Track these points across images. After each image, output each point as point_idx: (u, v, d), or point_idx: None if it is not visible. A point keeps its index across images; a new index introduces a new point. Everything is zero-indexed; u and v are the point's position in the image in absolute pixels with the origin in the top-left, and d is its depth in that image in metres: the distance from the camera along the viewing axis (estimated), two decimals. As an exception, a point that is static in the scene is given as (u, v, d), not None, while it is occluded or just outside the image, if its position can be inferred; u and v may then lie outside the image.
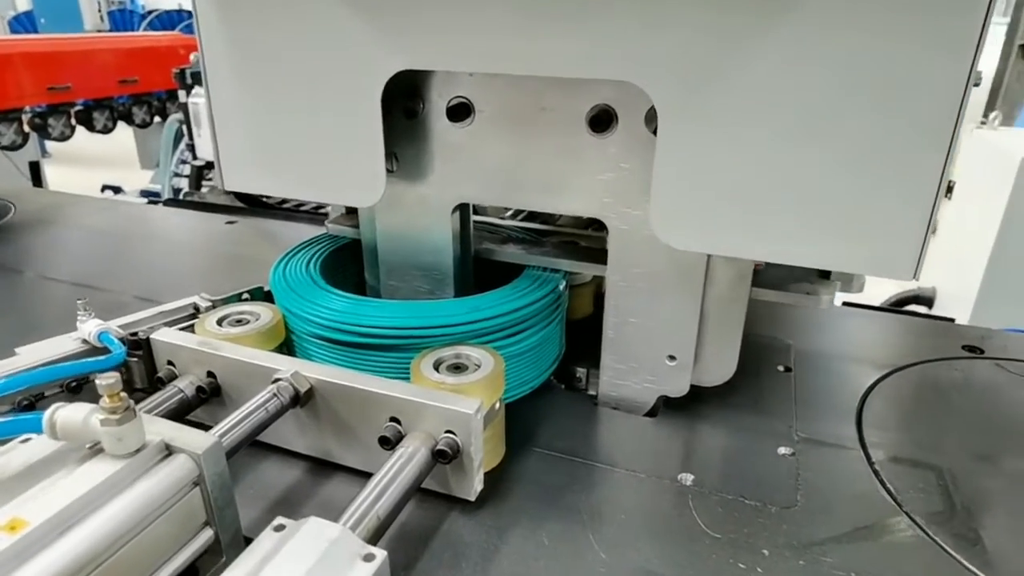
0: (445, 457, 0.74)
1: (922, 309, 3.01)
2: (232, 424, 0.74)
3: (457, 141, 0.96)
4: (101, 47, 5.27)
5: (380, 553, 0.58)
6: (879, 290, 3.11)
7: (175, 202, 2.59)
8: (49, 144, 7.03)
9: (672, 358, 0.96)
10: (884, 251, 0.73)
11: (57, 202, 2.14)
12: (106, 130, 5.35)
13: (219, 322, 0.95)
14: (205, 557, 0.65)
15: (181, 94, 4.11)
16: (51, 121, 4.95)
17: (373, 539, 0.64)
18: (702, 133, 0.74)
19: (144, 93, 5.48)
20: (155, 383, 0.90)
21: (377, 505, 0.67)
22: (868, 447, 0.92)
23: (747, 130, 0.72)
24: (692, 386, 0.98)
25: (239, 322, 0.95)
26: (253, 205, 2.35)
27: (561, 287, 1.02)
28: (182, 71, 4.03)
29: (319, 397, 0.82)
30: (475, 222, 1.15)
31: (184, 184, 4.66)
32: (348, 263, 1.21)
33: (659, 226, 0.81)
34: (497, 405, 0.83)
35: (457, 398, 0.76)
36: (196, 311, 1.01)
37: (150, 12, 8.11)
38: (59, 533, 0.53)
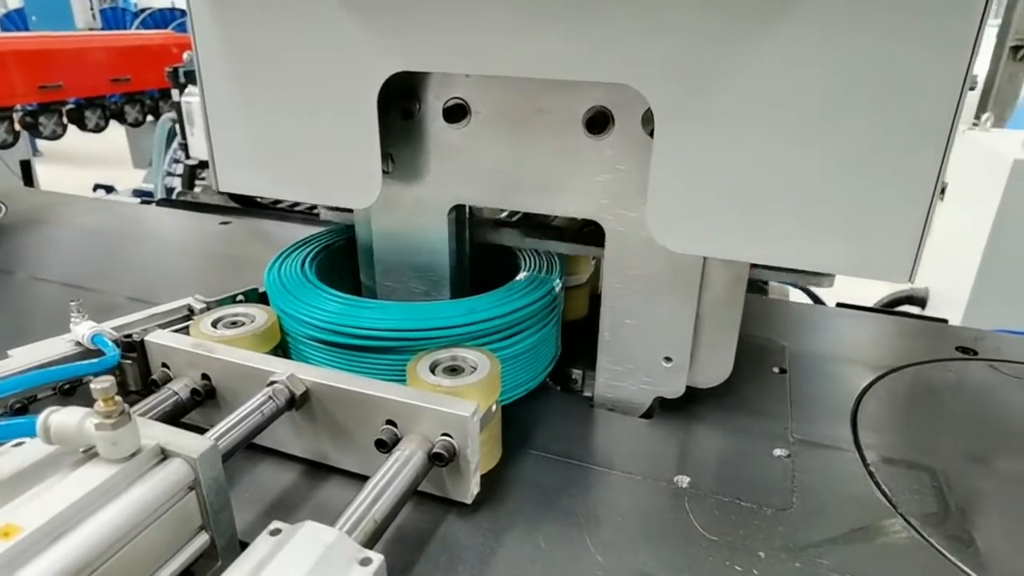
0: (442, 460, 0.74)
1: (915, 310, 3.03)
2: (228, 427, 0.74)
3: (453, 142, 0.96)
4: (93, 45, 5.25)
5: (377, 557, 0.58)
6: (872, 290, 3.13)
7: (168, 202, 2.58)
8: (40, 143, 6.98)
9: (668, 359, 0.97)
10: (880, 253, 0.73)
11: (49, 202, 2.13)
12: (98, 129, 5.33)
13: (214, 324, 0.95)
14: (200, 562, 0.65)
15: (174, 93, 4.08)
16: (42, 120, 4.93)
17: (370, 543, 0.64)
18: (699, 136, 0.75)
19: (136, 92, 5.46)
20: (149, 385, 0.89)
21: (374, 509, 0.66)
22: (863, 449, 0.93)
23: (744, 133, 0.73)
24: (688, 388, 0.98)
25: (234, 324, 0.95)
26: (247, 205, 2.34)
27: (557, 289, 1.02)
28: (175, 70, 4.00)
29: (315, 400, 0.81)
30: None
31: (177, 183, 4.63)
32: (344, 263, 1.20)
33: (655, 228, 0.81)
34: (493, 407, 0.83)
35: (453, 401, 0.76)
36: (191, 313, 1.01)
37: (142, 10, 8.08)
38: (53, 539, 0.53)
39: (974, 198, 2.75)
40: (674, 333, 0.95)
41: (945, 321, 1.43)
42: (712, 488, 0.84)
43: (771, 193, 0.74)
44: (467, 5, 0.78)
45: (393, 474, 0.71)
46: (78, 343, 0.89)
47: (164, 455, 0.62)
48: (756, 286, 1.75)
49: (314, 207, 2.18)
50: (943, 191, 2.83)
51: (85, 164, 7.80)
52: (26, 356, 0.86)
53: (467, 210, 1.08)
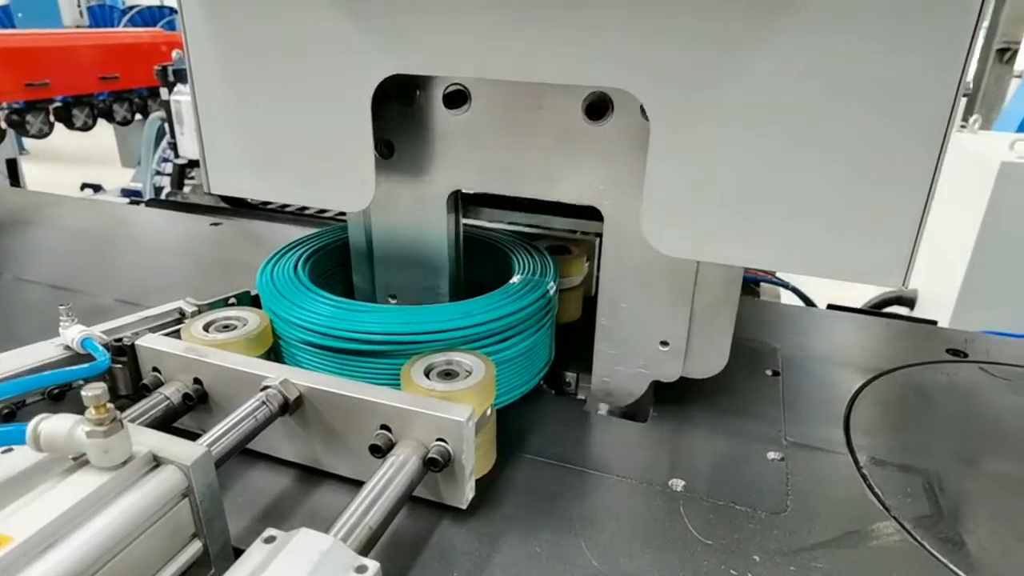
0: (436, 465, 0.73)
1: (904, 310, 3.05)
2: (220, 433, 0.73)
3: (453, 128, 0.95)
4: (81, 43, 5.21)
5: (373, 564, 0.58)
6: (862, 290, 3.15)
7: (158, 202, 2.56)
8: (27, 141, 6.91)
9: (665, 344, 0.96)
10: (875, 258, 0.74)
11: (36, 202, 2.10)
12: (86, 127, 5.28)
13: (205, 328, 0.94)
14: (193, 569, 0.64)
15: (163, 91, 4.05)
16: (29, 118, 4.88)
17: (365, 550, 0.63)
18: (694, 140, 0.75)
19: (125, 90, 5.41)
20: (140, 390, 0.88)
21: (368, 515, 0.66)
22: (856, 451, 0.93)
23: (739, 138, 0.73)
24: (681, 391, 0.98)
25: (226, 328, 0.94)
26: (237, 205, 2.33)
27: (551, 291, 1.02)
28: (164, 68, 3.96)
29: (308, 405, 0.81)
30: (465, 224, 1.15)
31: (166, 183, 4.60)
32: (338, 265, 1.20)
33: (650, 233, 0.81)
34: (488, 412, 0.82)
35: (448, 405, 0.76)
36: (182, 316, 1.00)
37: (131, 7, 8.01)
38: (43, 549, 0.52)
39: (962, 200, 2.77)
40: (671, 317, 0.95)
41: (935, 323, 1.43)
42: (707, 492, 0.84)
43: (766, 198, 0.74)
44: (463, 9, 0.78)
45: (388, 480, 0.70)
46: (67, 347, 0.88)
47: (156, 462, 0.62)
48: (748, 288, 1.76)
49: (305, 207, 2.18)
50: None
51: (72, 163, 7.73)
52: (14, 360, 0.85)
53: (460, 206, 1.08)
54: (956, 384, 1.13)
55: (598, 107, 0.87)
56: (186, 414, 0.87)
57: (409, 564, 0.72)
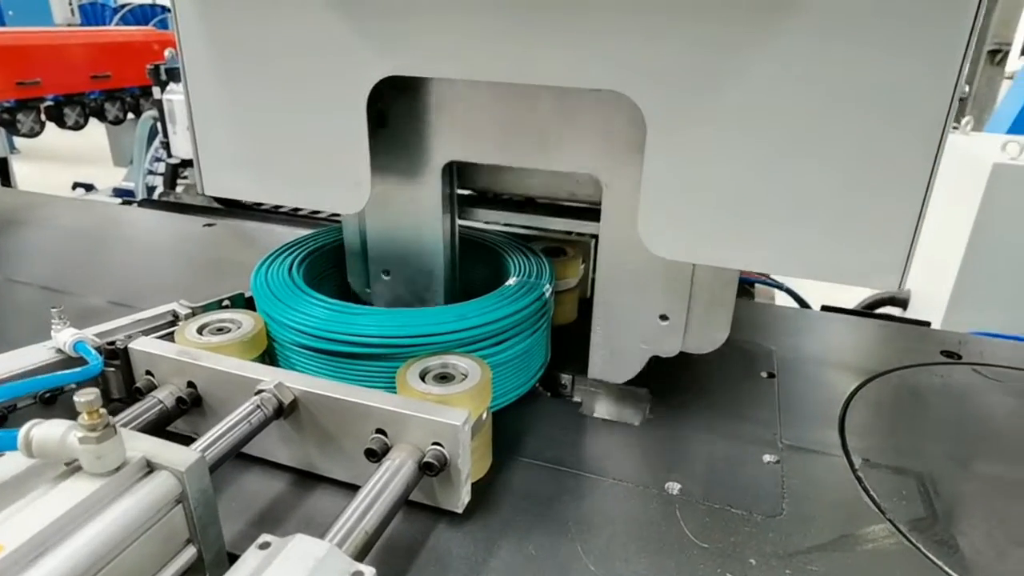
0: (432, 470, 0.73)
1: (897, 311, 3.06)
2: (214, 438, 0.72)
3: (448, 96, 0.94)
4: (72, 41, 5.18)
5: (369, 570, 0.57)
6: (856, 291, 3.16)
7: (150, 202, 2.54)
8: (18, 140, 6.86)
9: (664, 318, 0.96)
10: (871, 261, 0.74)
11: (27, 202, 2.09)
12: (77, 126, 5.25)
13: (199, 330, 0.93)
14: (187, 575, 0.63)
15: (156, 90, 4.03)
16: (20, 117, 4.85)
17: (360, 555, 0.63)
18: (691, 144, 0.75)
19: (117, 89, 5.39)
20: (133, 393, 0.87)
21: (364, 520, 0.66)
22: (851, 453, 0.93)
23: (736, 142, 0.73)
24: (676, 393, 0.98)
25: (220, 330, 0.94)
26: (230, 206, 2.31)
27: (547, 293, 1.02)
28: (156, 67, 3.94)
29: (303, 408, 0.80)
30: (461, 225, 1.15)
31: (158, 182, 4.58)
32: (333, 268, 1.19)
33: (646, 235, 0.81)
34: (484, 415, 0.82)
35: (444, 409, 0.75)
36: (175, 319, 0.99)
37: (123, 6, 7.96)
38: (36, 556, 0.51)
39: (955, 201, 2.78)
40: (671, 290, 0.94)
41: (928, 324, 1.44)
42: (703, 495, 0.84)
43: (763, 201, 0.74)
44: (459, 11, 0.77)
45: (383, 484, 0.70)
46: (59, 350, 0.87)
47: (150, 468, 0.61)
48: (743, 289, 1.76)
49: (299, 208, 2.17)
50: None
51: (64, 162, 7.68)
52: (6, 364, 0.84)
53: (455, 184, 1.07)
54: (950, 386, 1.13)
55: None
56: (180, 418, 0.86)
57: (405, 569, 0.72)
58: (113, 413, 0.76)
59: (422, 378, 0.83)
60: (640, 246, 0.90)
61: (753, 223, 0.76)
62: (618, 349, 1.00)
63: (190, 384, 0.86)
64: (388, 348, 0.88)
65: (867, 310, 2.49)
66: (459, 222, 1.14)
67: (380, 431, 0.76)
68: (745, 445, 0.94)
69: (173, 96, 3.88)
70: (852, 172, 0.70)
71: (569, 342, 1.11)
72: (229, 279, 1.20)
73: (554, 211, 1.16)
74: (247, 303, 1.07)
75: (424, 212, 1.03)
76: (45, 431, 0.58)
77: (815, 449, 0.94)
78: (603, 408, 1.03)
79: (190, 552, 0.63)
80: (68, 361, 0.87)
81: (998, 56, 5.63)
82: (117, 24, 7.64)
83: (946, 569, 0.74)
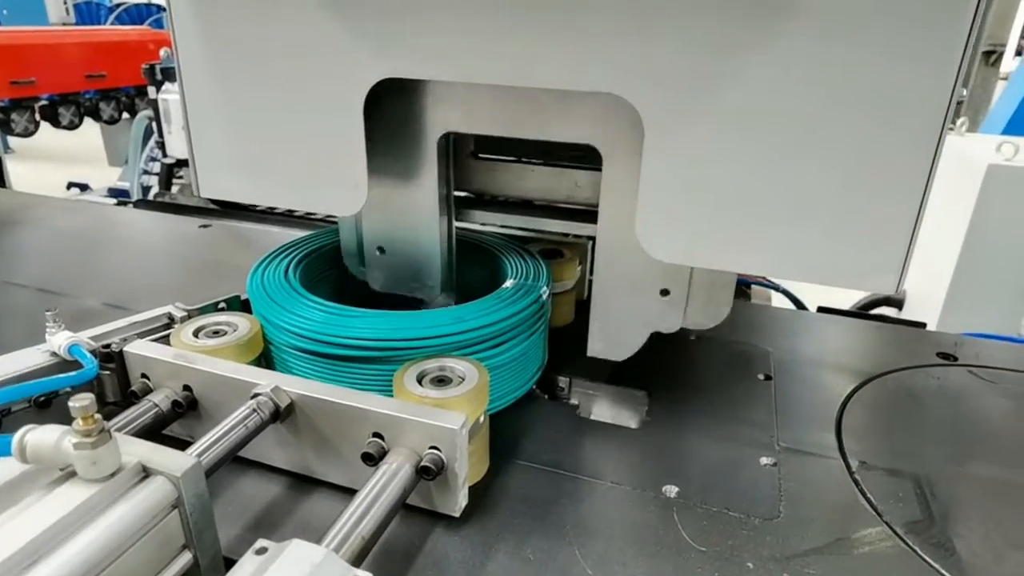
0: (430, 474, 0.73)
1: (892, 311, 3.07)
2: (211, 442, 0.72)
3: None
4: (67, 40, 5.16)
5: (366, 576, 0.57)
6: (852, 292, 3.17)
7: (146, 203, 2.53)
8: (12, 140, 6.83)
9: (665, 292, 0.95)
10: (868, 264, 0.74)
11: (22, 203, 2.08)
12: (72, 126, 5.23)
13: (195, 333, 0.93)
14: (183, 581, 0.63)
15: (151, 90, 4.01)
16: (14, 116, 4.83)
17: (357, 560, 0.63)
18: (689, 147, 0.74)
19: (112, 88, 5.36)
20: (128, 397, 0.87)
21: (361, 525, 0.65)
22: (848, 456, 0.93)
23: (734, 145, 0.73)
24: (674, 395, 0.98)
25: (216, 333, 0.93)
26: (226, 206, 2.30)
27: (544, 296, 1.01)
28: (152, 67, 3.93)
29: (300, 412, 0.80)
30: (457, 227, 1.14)
31: (154, 182, 4.56)
32: (329, 269, 1.19)
33: (644, 238, 0.81)
34: (481, 418, 0.82)
35: (441, 413, 0.75)
36: (171, 321, 0.98)
37: (118, 5, 7.93)
38: (30, 564, 0.51)
39: (950, 202, 2.79)
40: (672, 264, 0.91)
41: (924, 325, 1.44)
42: (700, 498, 0.84)
43: (761, 205, 0.74)
44: (455, 13, 0.77)
45: (380, 489, 0.70)
46: (54, 354, 0.87)
47: (145, 473, 0.61)
48: (739, 290, 1.76)
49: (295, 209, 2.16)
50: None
51: (59, 162, 7.64)
52: (0, 368, 0.84)
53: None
54: (946, 388, 1.13)
55: None
56: (175, 421, 0.86)
57: (402, 573, 0.71)
58: (108, 416, 0.76)
59: (419, 381, 0.83)
60: None
61: (751, 226, 0.76)
62: (618, 325, 0.98)
63: (186, 388, 0.85)
64: (385, 351, 0.87)
65: (863, 311, 2.50)
66: (456, 223, 1.14)
67: (377, 435, 0.76)
68: (742, 448, 0.94)
69: (168, 96, 3.87)
70: (850, 175, 0.70)
71: (566, 344, 1.11)
72: (225, 281, 1.19)
73: (551, 213, 1.17)
74: (243, 305, 1.06)
75: (420, 156, 1.00)
76: (39, 437, 0.57)
77: (812, 452, 0.94)
78: (600, 410, 1.03)
79: (186, 558, 0.63)
80: (63, 364, 0.86)
81: (992, 57, 5.65)
82: (112, 23, 7.62)
83: (943, 572, 0.74)
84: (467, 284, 1.16)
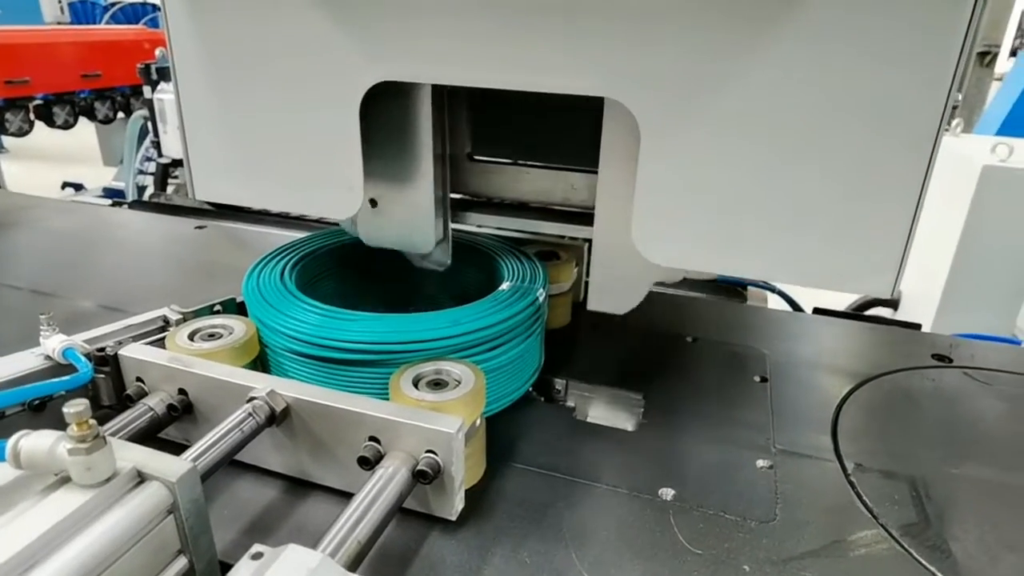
0: (426, 478, 0.73)
1: (888, 312, 3.08)
2: (206, 447, 0.72)
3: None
4: (62, 40, 5.14)
5: (362, 582, 0.57)
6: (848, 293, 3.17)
7: (141, 204, 2.52)
8: (6, 139, 6.80)
9: None
10: (864, 268, 0.74)
11: (16, 204, 2.07)
12: (67, 125, 5.22)
13: (191, 336, 0.93)
14: (178, 586, 0.63)
15: (146, 90, 4.00)
16: (8, 116, 4.81)
17: (353, 565, 0.63)
18: (685, 152, 0.75)
19: (107, 88, 5.35)
20: (123, 400, 0.87)
21: (357, 529, 0.65)
22: (844, 458, 0.93)
23: (730, 150, 0.73)
24: (670, 397, 0.98)
25: (211, 336, 0.93)
26: (222, 207, 2.30)
27: (541, 298, 1.01)
28: (147, 66, 3.92)
29: (295, 416, 0.80)
30: (454, 229, 1.14)
31: (149, 182, 4.55)
32: (325, 271, 1.19)
33: (640, 242, 0.81)
34: (478, 422, 0.82)
35: (438, 416, 0.75)
36: (166, 324, 0.98)
37: (113, 4, 7.90)
38: (24, 570, 0.51)
39: (945, 202, 2.80)
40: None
41: (919, 326, 1.45)
42: (697, 501, 0.84)
43: (757, 209, 0.74)
44: (452, 17, 0.77)
45: (376, 493, 0.70)
46: (48, 357, 0.86)
47: (141, 478, 0.60)
48: (735, 291, 1.77)
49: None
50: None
51: (53, 161, 7.62)
52: (-7, 370, 0.83)
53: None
54: (941, 389, 1.14)
55: None
56: (171, 425, 0.86)
57: (398, 577, 0.71)
58: (103, 420, 0.76)
59: (415, 385, 0.82)
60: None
61: (747, 230, 0.76)
62: (619, 277, 0.96)
63: (181, 391, 0.85)
64: (381, 354, 0.87)
65: (859, 311, 2.50)
66: (452, 225, 1.14)
67: (373, 439, 0.76)
68: (739, 450, 0.94)
69: (164, 95, 3.86)
70: (845, 180, 0.71)
71: (563, 346, 1.11)
72: (221, 283, 1.19)
73: (547, 215, 1.17)
74: (239, 308, 1.06)
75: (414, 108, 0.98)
76: (33, 442, 0.57)
77: (808, 454, 0.94)
78: (597, 413, 1.03)
79: (181, 563, 0.62)
80: (57, 368, 0.86)
81: (987, 58, 5.67)
82: (107, 23, 7.59)
83: (938, 575, 0.74)
84: (463, 286, 1.16)
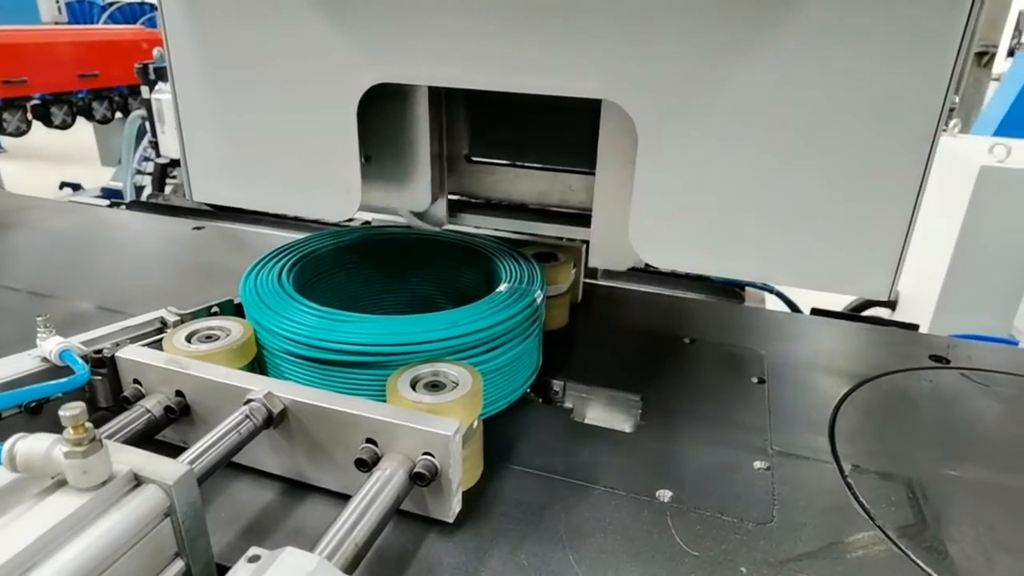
0: (423, 480, 0.73)
1: (885, 312, 3.08)
2: (203, 449, 0.72)
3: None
4: (59, 40, 5.14)
5: (359, 585, 0.57)
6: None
7: (139, 204, 2.52)
8: (4, 139, 6.79)
9: None
10: (860, 270, 0.74)
11: (13, 205, 2.06)
12: (65, 125, 5.22)
13: (188, 338, 0.92)
14: (175, 589, 0.63)
15: (144, 90, 4.00)
16: (6, 116, 4.81)
17: (351, 568, 0.63)
18: (682, 154, 0.75)
19: (105, 88, 5.35)
20: (121, 402, 0.87)
21: (354, 532, 0.65)
22: (841, 459, 0.94)
23: (728, 152, 0.73)
24: (668, 399, 0.98)
25: (209, 338, 0.93)
26: (220, 208, 2.30)
27: (539, 300, 1.01)
28: (145, 66, 3.92)
29: (293, 418, 0.80)
30: (451, 230, 1.14)
31: (147, 182, 4.54)
32: (323, 272, 1.19)
33: (637, 243, 0.81)
34: (475, 424, 0.82)
35: (435, 419, 0.75)
36: (163, 326, 0.98)
37: (110, 4, 7.89)
38: (20, 574, 0.51)
39: (943, 203, 2.81)
40: None
41: (917, 327, 1.45)
42: (694, 502, 0.84)
43: (754, 211, 0.74)
44: (450, 20, 0.77)
45: (374, 495, 0.70)
46: (45, 359, 0.86)
47: (137, 481, 0.60)
48: (733, 292, 1.77)
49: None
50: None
51: (51, 161, 7.60)
52: (-10, 373, 0.83)
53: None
54: (939, 390, 1.14)
55: None
56: (168, 427, 0.86)
57: (396, 580, 0.71)
58: (100, 422, 0.75)
59: (413, 387, 0.82)
60: None
61: (743, 232, 0.76)
62: (621, 234, 0.95)
63: (178, 393, 0.85)
64: (378, 356, 0.87)
65: (856, 311, 2.51)
66: (450, 226, 1.14)
67: (370, 441, 0.76)
68: (736, 452, 0.94)
69: (162, 95, 3.86)
70: (842, 182, 0.71)
71: (560, 347, 1.11)
72: (218, 284, 1.19)
73: (545, 216, 1.17)
74: (236, 309, 1.06)
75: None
76: (29, 445, 0.57)
77: (805, 455, 0.94)
78: (594, 414, 1.03)
79: (178, 566, 0.62)
80: (54, 370, 0.86)
81: (985, 58, 5.67)
82: (105, 22, 7.58)
83: (935, 576, 0.75)
84: (461, 288, 1.16)
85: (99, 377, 0.87)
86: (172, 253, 1.74)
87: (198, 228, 1.86)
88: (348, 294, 1.20)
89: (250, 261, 1.09)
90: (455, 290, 1.20)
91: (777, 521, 0.81)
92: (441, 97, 1.07)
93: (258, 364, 0.97)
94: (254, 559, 0.58)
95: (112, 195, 4.68)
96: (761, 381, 1.13)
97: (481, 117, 1.21)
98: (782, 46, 0.67)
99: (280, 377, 0.93)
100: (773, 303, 1.88)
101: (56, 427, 0.57)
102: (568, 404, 1.06)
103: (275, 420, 0.79)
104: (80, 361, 0.84)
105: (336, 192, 0.91)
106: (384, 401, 0.81)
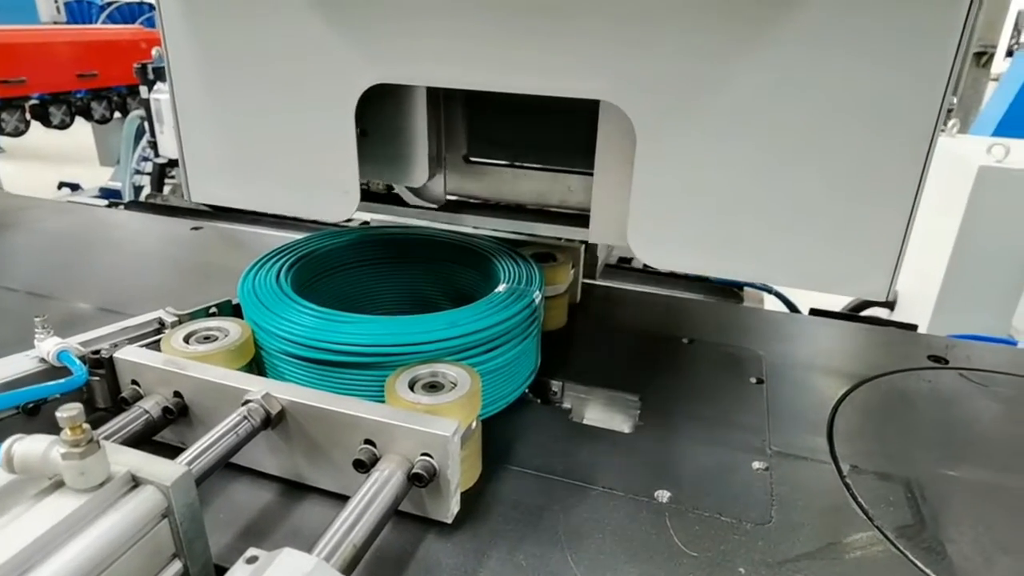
0: (422, 481, 0.73)
1: (884, 312, 3.08)
2: (201, 450, 0.72)
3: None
4: (58, 39, 5.13)
5: (357, 586, 0.57)
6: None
7: (137, 204, 2.52)
8: (2, 139, 6.78)
9: None
10: (858, 271, 0.74)
11: (12, 205, 2.06)
12: (63, 125, 5.21)
13: (186, 339, 0.92)
14: (173, 590, 0.63)
15: (143, 90, 3.99)
16: (4, 115, 4.80)
17: (349, 569, 0.63)
18: (681, 155, 0.75)
19: (104, 88, 5.34)
20: (119, 403, 0.87)
21: (352, 533, 0.65)
22: (839, 460, 0.94)
23: (727, 153, 0.73)
24: (666, 399, 0.98)
25: (207, 339, 0.93)
26: (218, 208, 2.29)
27: (537, 300, 1.01)
28: (143, 66, 3.91)
29: (291, 419, 0.80)
30: (450, 231, 1.14)
31: (145, 182, 4.54)
32: (321, 273, 1.18)
33: (636, 244, 0.81)
34: (474, 424, 0.82)
35: (433, 419, 0.75)
36: (161, 326, 0.98)
37: (109, 4, 7.88)
38: (18, 575, 0.51)
39: (941, 203, 2.81)
40: None
41: (915, 327, 1.45)
42: (692, 503, 0.84)
43: (752, 212, 0.74)
44: (448, 21, 0.77)
45: (372, 496, 0.69)
46: (43, 360, 0.86)
47: (135, 483, 0.60)
48: (731, 292, 1.77)
49: (288, 211, 2.15)
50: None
51: (50, 161, 7.60)
52: (-12, 374, 0.83)
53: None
54: (937, 391, 1.14)
55: None
56: (166, 427, 0.85)
57: (394, 580, 0.71)
58: (98, 423, 0.75)
59: (411, 387, 0.82)
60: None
61: (742, 232, 0.76)
62: (622, 209, 0.95)
63: (176, 394, 0.85)
64: (377, 357, 0.87)
65: (855, 311, 2.51)
66: (449, 227, 1.14)
67: (369, 441, 0.76)
68: (734, 452, 0.94)
69: (161, 95, 3.86)
70: (840, 183, 0.71)
71: (559, 348, 1.11)
72: (216, 284, 1.19)
73: (544, 217, 1.17)
74: (235, 310, 1.06)
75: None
76: (27, 446, 0.57)
77: (804, 456, 0.94)
78: (593, 415, 1.03)
79: (176, 567, 0.62)
80: (52, 371, 0.86)
81: (983, 58, 5.68)
82: (103, 22, 7.58)
83: (933, 576, 0.75)
84: (459, 288, 1.16)
85: (97, 378, 0.87)
86: (170, 253, 1.73)
87: (196, 228, 1.86)
88: (346, 295, 1.20)
89: (248, 261, 1.09)
90: (453, 291, 1.20)
91: (775, 521, 0.81)
92: (439, 97, 1.07)
93: (256, 365, 0.97)
94: (252, 560, 0.58)
95: (110, 195, 4.68)
96: (759, 381, 1.13)
97: (480, 117, 1.21)
98: (780, 46, 0.67)
99: (278, 378, 0.93)
100: (772, 303, 1.88)
101: (54, 428, 0.57)
102: (567, 404, 1.06)
103: (273, 421, 0.79)
104: (78, 362, 0.84)
105: (334, 193, 0.90)
106: (382, 402, 0.81)
